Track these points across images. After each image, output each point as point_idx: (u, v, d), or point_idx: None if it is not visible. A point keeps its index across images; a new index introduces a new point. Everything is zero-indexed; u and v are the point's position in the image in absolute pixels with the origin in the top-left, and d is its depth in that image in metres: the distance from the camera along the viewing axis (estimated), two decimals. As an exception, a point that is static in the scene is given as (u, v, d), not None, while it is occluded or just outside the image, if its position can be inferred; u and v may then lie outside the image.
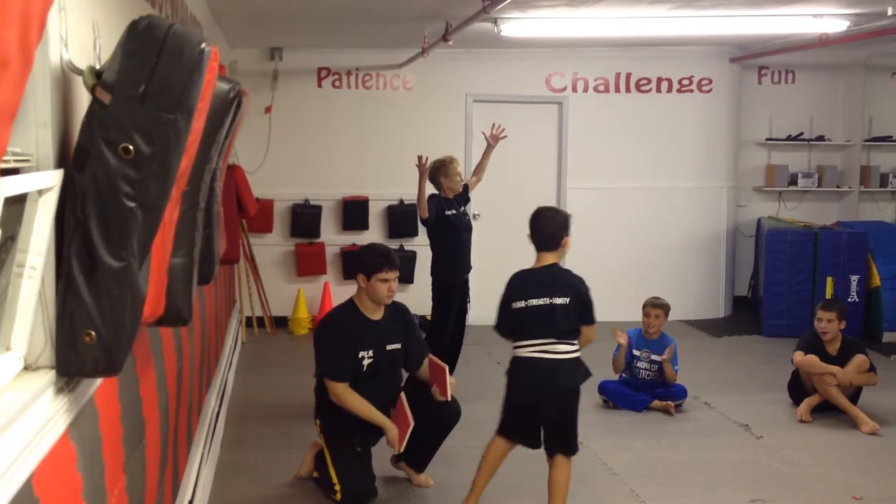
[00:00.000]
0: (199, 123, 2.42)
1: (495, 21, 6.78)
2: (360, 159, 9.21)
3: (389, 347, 4.75)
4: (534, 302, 4.36)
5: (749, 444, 5.77)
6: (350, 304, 4.76)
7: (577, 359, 4.37)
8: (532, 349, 4.36)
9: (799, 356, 6.35)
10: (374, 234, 9.09)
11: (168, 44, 1.99)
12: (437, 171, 6.70)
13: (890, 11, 6.86)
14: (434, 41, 7.44)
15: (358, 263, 4.75)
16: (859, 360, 6.27)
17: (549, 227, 4.46)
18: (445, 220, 6.66)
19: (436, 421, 4.89)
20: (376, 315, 4.74)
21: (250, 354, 8.06)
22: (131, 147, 1.98)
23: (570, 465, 4.43)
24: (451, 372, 6.64)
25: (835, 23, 7.27)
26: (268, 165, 8.91)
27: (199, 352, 4.81)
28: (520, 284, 4.46)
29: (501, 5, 5.43)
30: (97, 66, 2.09)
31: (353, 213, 9.08)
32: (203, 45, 2.05)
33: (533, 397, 4.40)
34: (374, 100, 9.22)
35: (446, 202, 6.74)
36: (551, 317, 4.32)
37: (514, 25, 6.91)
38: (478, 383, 7.27)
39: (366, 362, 4.68)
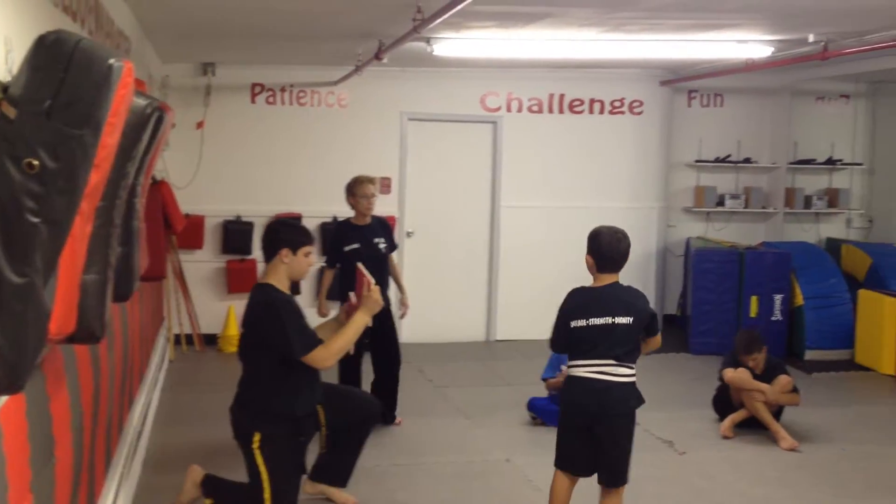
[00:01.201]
0: (111, 139, 2.39)
1: (428, 41, 6.82)
2: (293, 176, 9.17)
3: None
4: (595, 321, 4.28)
5: (672, 460, 5.87)
6: (270, 287, 4.39)
7: (633, 384, 4.31)
8: (589, 369, 4.28)
9: (730, 373, 6.49)
10: (307, 251, 9.04)
11: (76, 59, 1.97)
12: (350, 187, 6.46)
13: (811, 38, 7.11)
14: (367, 59, 7.46)
15: (283, 238, 4.43)
16: (784, 380, 6.45)
17: (619, 248, 4.44)
18: (343, 256, 6.29)
19: (354, 424, 4.83)
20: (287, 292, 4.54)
21: (178, 372, 7.94)
22: (36, 162, 1.95)
23: (620, 497, 4.32)
24: (394, 407, 6.52)
25: (759, 49, 7.49)
26: (199, 181, 8.82)
27: (119, 370, 4.73)
28: (582, 303, 4.36)
29: (431, 25, 5.46)
30: (4, 81, 2.06)
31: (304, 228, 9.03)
32: (112, 60, 2.04)
33: (587, 418, 4.29)
34: (308, 117, 9.20)
35: (351, 232, 6.41)
36: (611, 337, 4.26)
37: (447, 45, 6.97)
38: (409, 401, 7.28)
39: None
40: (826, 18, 6.33)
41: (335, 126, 9.24)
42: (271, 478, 4.34)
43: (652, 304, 9.97)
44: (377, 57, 7.05)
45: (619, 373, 4.25)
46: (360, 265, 4.65)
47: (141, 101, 2.79)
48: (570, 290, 4.46)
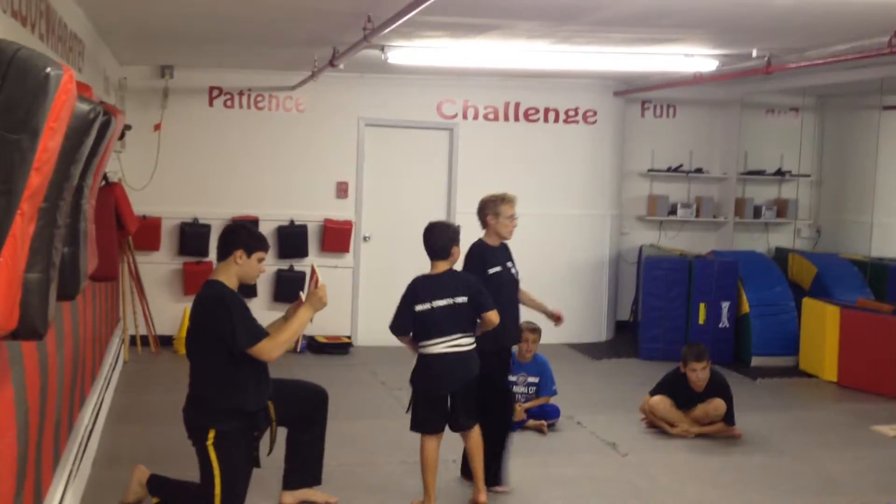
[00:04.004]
0: (52, 143, 2.49)
1: (382, 48, 6.95)
2: (251, 179, 9.25)
3: None
4: (439, 303, 4.94)
5: (614, 462, 6.04)
6: (219, 283, 4.47)
7: (474, 349, 5.02)
8: (443, 346, 4.94)
9: (652, 400, 6.71)
10: (263, 254, 9.11)
11: (13, 67, 2.08)
12: (486, 206, 5.53)
13: (754, 53, 7.33)
14: (323, 66, 7.58)
15: (240, 239, 4.53)
16: (716, 403, 6.57)
17: (441, 239, 5.07)
18: (488, 279, 5.28)
19: (306, 415, 4.91)
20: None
21: (132, 373, 7.99)
22: (-26, 165, 2.06)
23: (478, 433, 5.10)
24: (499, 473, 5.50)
25: (705, 62, 7.70)
26: (156, 183, 8.88)
27: (70, 368, 4.79)
28: (422, 288, 4.99)
29: (381, 34, 5.60)
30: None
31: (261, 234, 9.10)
32: (49, 69, 2.14)
33: (451, 387, 5.02)
34: (266, 121, 9.29)
35: (490, 254, 5.44)
36: (457, 314, 4.93)
37: (400, 53, 7.11)
38: (360, 403, 7.40)
39: None
40: (767, 34, 6.55)
41: (293, 130, 9.34)
42: (223, 473, 4.43)
43: (604, 311, 10.35)
44: (332, 63, 7.17)
45: (467, 342, 4.97)
46: (314, 265, 4.84)
47: (84, 107, 2.88)
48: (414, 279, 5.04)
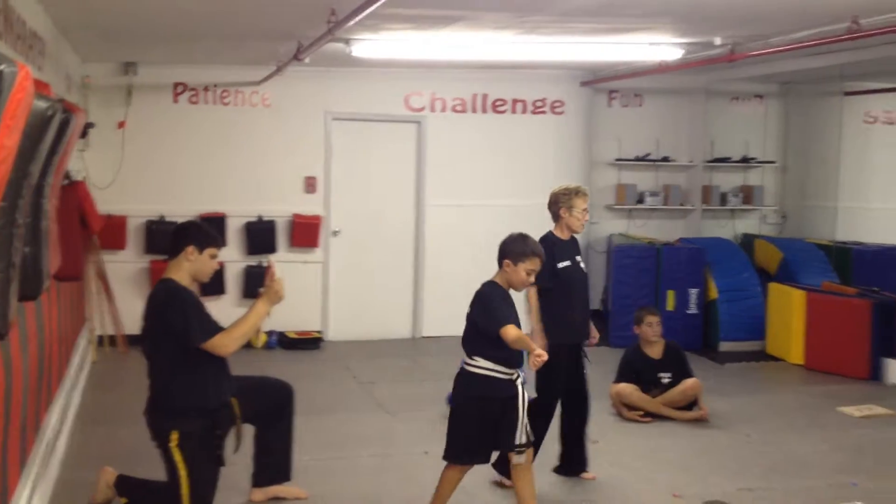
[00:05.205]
0: (10, 140, 2.47)
1: (346, 42, 6.93)
2: (218, 175, 9.20)
3: None
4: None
5: (585, 449, 6.07)
6: (172, 280, 4.43)
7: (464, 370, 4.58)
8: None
9: (615, 390, 6.82)
10: (232, 250, 9.06)
11: (-34, 65, 2.05)
12: (559, 199, 5.40)
13: (718, 41, 7.40)
14: (288, 60, 7.54)
15: (191, 236, 4.49)
16: (690, 382, 6.76)
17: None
18: (556, 273, 5.22)
19: (272, 410, 4.89)
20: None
21: (100, 373, 7.92)
22: (-73, 164, 2.03)
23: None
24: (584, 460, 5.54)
25: (670, 51, 7.75)
26: (121, 181, 8.80)
27: (35, 369, 4.74)
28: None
29: (346, 27, 5.58)
30: None
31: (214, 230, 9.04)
32: (3, 67, 2.12)
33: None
34: (232, 116, 9.23)
35: (559, 248, 5.31)
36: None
37: (365, 46, 7.08)
38: (333, 398, 7.40)
39: None
40: (730, 22, 6.60)
41: (259, 126, 9.29)
42: (190, 474, 4.39)
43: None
44: (297, 58, 7.13)
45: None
46: (270, 258, 4.76)
47: (42, 104, 2.86)
48: (475, 288, 4.62)
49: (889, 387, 7.91)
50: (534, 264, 4.49)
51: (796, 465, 5.87)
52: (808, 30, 6.64)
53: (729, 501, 5.07)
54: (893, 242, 9.59)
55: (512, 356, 4.42)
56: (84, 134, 7.82)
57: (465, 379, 4.56)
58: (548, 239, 5.28)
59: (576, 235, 5.45)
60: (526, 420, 4.47)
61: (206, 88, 9.17)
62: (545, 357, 4.26)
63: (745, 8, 6.00)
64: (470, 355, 4.53)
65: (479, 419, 4.47)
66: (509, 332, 4.30)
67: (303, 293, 9.24)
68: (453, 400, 4.76)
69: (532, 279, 4.54)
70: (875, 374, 8.07)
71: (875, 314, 8.09)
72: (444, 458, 4.65)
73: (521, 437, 4.44)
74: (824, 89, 10.60)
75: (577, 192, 5.37)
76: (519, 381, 4.47)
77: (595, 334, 5.64)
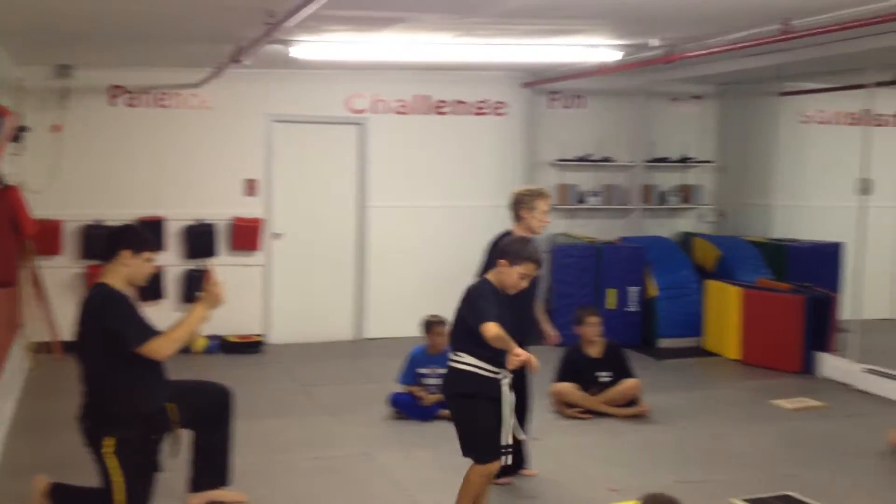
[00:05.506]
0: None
1: (285, 43, 6.89)
2: (156, 179, 9.09)
3: None
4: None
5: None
6: (106, 286, 4.35)
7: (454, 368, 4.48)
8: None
9: (555, 388, 6.88)
10: (171, 254, 8.97)
11: None
12: (522, 200, 5.41)
13: (655, 43, 7.51)
14: (227, 62, 7.48)
15: (126, 239, 4.41)
16: (630, 382, 6.87)
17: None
18: None
19: (210, 414, 4.85)
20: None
21: (35, 380, 7.77)
22: None
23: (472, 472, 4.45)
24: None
25: (609, 53, 7.85)
26: (57, 185, 8.65)
27: (-35, 377, 4.64)
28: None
29: (285, 29, 5.57)
30: None
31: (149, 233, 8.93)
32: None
33: None
34: (171, 119, 9.13)
35: None
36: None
37: (305, 48, 7.05)
38: (274, 401, 7.36)
39: None
40: (666, 24, 6.71)
41: (199, 128, 9.20)
42: (127, 481, 4.32)
43: (517, 300, 10.40)
44: (236, 60, 7.08)
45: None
46: (209, 263, 4.71)
47: (-36, 106, 2.81)
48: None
49: (820, 380, 8.12)
50: (529, 269, 4.41)
51: (731, 457, 6.00)
52: (742, 31, 6.79)
53: (665, 494, 5.14)
54: (827, 239, 9.81)
55: (497, 355, 4.32)
56: (17, 138, 7.68)
57: (451, 375, 4.50)
58: (505, 237, 5.33)
59: (535, 237, 5.40)
60: (513, 421, 4.44)
61: (143, 91, 9.05)
62: (525, 357, 4.21)
63: (680, 10, 6.11)
64: (456, 351, 4.46)
65: (480, 411, 4.38)
66: (489, 328, 4.19)
67: (244, 297, 9.18)
68: (445, 396, 4.67)
69: (524, 284, 4.46)
70: (807, 368, 8.27)
71: (808, 309, 8.29)
72: (481, 462, 4.42)
73: (505, 438, 4.40)
74: (761, 90, 10.81)
75: (539, 194, 5.38)
76: (505, 382, 4.41)
77: (551, 332, 5.67)
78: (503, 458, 4.45)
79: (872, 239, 8.37)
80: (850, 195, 8.28)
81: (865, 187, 8.13)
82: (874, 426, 6.54)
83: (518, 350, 4.23)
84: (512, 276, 4.40)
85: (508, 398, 4.40)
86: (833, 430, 6.64)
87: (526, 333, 5.22)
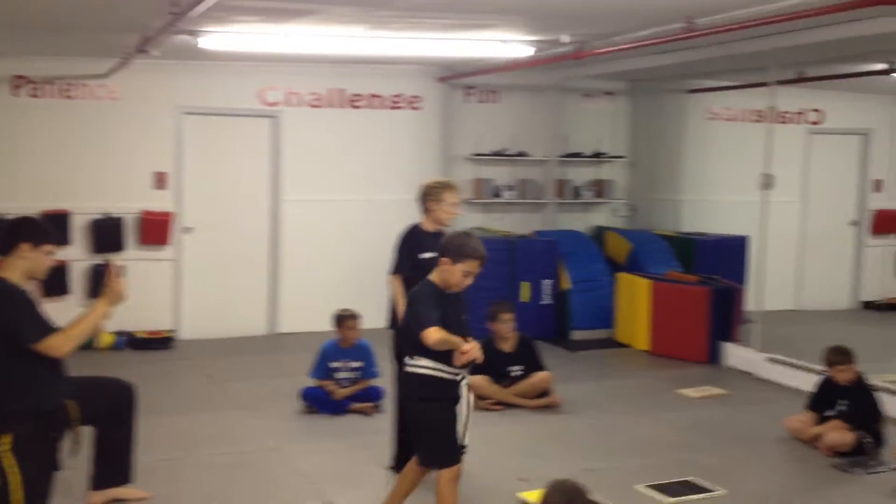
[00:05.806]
0: None
1: (193, 33, 6.79)
2: (62, 172, 8.85)
3: None
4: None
5: (438, 439, 6.16)
6: (3, 280, 4.21)
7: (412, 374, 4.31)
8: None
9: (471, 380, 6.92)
10: (77, 248, 8.75)
11: None
12: (429, 192, 5.39)
13: (565, 39, 7.62)
14: (134, 52, 7.33)
15: (25, 232, 4.27)
16: (541, 375, 6.97)
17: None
18: (419, 264, 5.13)
19: (110, 411, 4.76)
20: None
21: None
22: None
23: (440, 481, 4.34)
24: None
25: (521, 48, 7.94)
26: (-43, 178, 8.37)
27: None
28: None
29: (191, 18, 5.49)
30: None
31: (54, 227, 8.66)
32: None
33: None
34: (77, 110, 8.90)
35: (423, 239, 5.31)
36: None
37: (213, 39, 6.96)
38: (185, 396, 7.26)
39: None
40: (576, 21, 6.83)
41: (106, 120, 8.99)
42: (24, 480, 4.21)
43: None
44: (142, 49, 6.95)
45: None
46: (110, 258, 4.63)
47: None
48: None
49: (725, 369, 8.37)
50: (472, 266, 4.20)
51: (637, 444, 6.15)
52: (649, 29, 6.94)
53: (570, 480, 5.23)
54: (732, 233, 10.09)
55: (451, 355, 4.16)
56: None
57: (410, 380, 4.31)
58: (413, 230, 5.39)
59: (444, 229, 5.40)
60: (468, 423, 4.34)
61: (48, 81, 8.80)
62: (473, 353, 4.11)
63: (588, 7, 6.23)
64: (412, 355, 4.24)
65: (440, 413, 4.26)
66: (430, 335, 4.04)
67: (153, 291, 9.02)
68: (403, 403, 4.52)
69: (469, 281, 4.30)
70: (713, 358, 8.52)
71: (714, 301, 8.54)
72: (445, 466, 4.31)
73: (462, 437, 4.33)
74: (669, 87, 11.06)
75: (447, 186, 5.42)
76: (464, 383, 4.31)
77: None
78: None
79: (774, 233, 8.65)
80: (754, 190, 8.53)
81: (768, 182, 8.38)
82: (774, 413, 6.76)
83: (464, 346, 4.11)
84: (455, 275, 4.20)
85: (466, 398, 4.31)
86: (735, 417, 6.86)
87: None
